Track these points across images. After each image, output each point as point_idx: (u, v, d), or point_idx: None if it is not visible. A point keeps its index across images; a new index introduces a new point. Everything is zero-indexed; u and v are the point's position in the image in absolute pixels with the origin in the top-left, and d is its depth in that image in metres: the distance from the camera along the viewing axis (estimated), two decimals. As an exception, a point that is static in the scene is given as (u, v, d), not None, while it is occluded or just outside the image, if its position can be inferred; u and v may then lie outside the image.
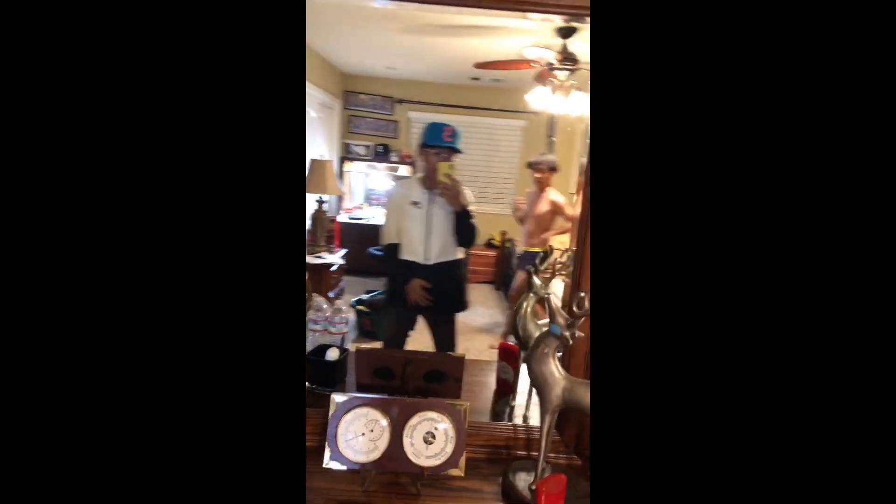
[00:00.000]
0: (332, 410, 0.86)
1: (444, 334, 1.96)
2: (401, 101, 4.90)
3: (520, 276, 3.16)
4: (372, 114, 4.93)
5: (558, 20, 2.54)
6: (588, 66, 2.75)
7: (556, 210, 3.00)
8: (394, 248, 1.88)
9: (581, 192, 1.03)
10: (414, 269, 1.83)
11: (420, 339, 2.01)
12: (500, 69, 3.04)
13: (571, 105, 2.84)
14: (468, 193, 1.85)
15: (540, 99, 2.89)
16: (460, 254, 1.91)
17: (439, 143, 1.77)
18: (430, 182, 1.80)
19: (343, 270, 3.46)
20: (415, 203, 1.82)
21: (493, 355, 1.29)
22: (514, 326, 1.09)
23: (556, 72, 2.83)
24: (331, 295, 2.96)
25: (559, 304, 0.83)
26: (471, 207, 1.82)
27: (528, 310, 1.07)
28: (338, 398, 0.87)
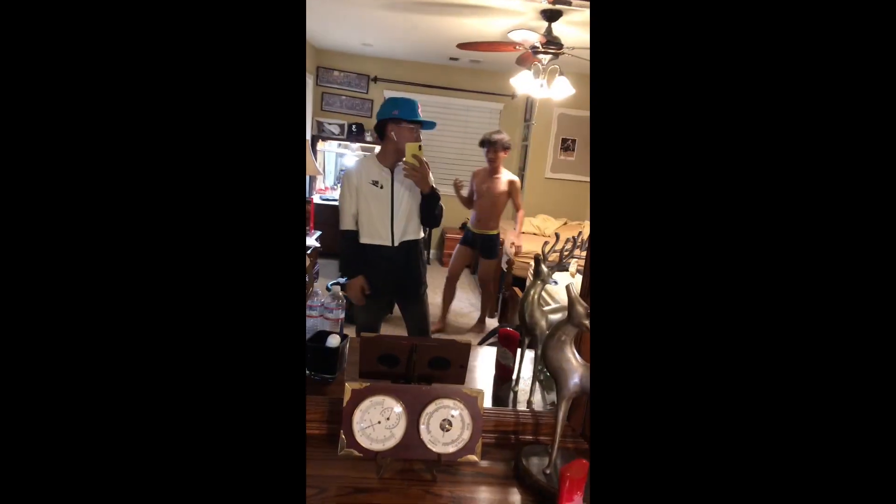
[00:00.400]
0: (346, 398, 0.85)
1: (417, 315, 1.95)
2: (376, 80, 4.78)
3: (459, 252, 3.07)
4: (346, 91, 4.80)
5: (544, 1, 2.52)
6: (572, 51, 2.75)
7: (513, 192, 2.91)
8: (353, 236, 1.80)
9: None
10: (380, 252, 1.79)
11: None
12: (484, 51, 3.00)
13: (553, 90, 2.85)
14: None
15: (523, 82, 2.88)
16: (422, 233, 1.88)
17: (416, 117, 1.70)
18: (390, 159, 1.74)
19: (318, 253, 3.39)
20: (375, 183, 1.75)
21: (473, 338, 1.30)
22: (520, 313, 1.09)
23: (539, 55, 2.82)
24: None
25: (577, 291, 0.84)
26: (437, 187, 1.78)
27: (536, 297, 1.08)
28: (353, 386, 0.85)
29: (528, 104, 4.73)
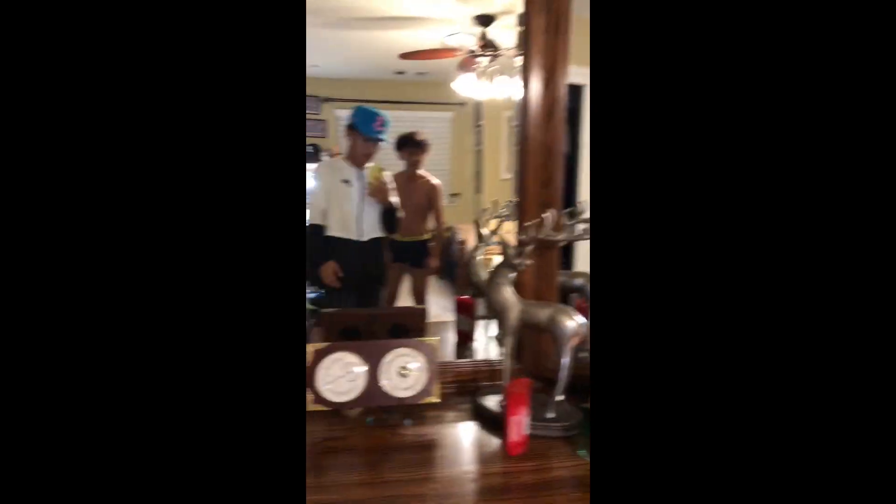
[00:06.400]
0: (310, 359, 0.92)
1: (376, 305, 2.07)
2: (327, 100, 4.88)
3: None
4: (298, 114, 4.87)
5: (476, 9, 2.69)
6: (508, 53, 2.92)
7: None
8: (319, 230, 1.93)
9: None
10: (348, 246, 1.92)
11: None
12: (425, 59, 3.15)
13: (496, 90, 3.00)
14: (391, 184, 2.00)
15: (465, 86, 3.02)
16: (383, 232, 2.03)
17: (370, 133, 1.89)
18: (357, 161, 1.92)
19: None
20: (346, 181, 1.93)
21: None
22: (468, 276, 1.19)
23: (478, 59, 2.98)
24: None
25: (510, 238, 0.94)
26: (394, 200, 1.98)
27: (479, 258, 1.17)
28: (314, 347, 0.92)
29: (476, 109, 4.91)
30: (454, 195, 5.18)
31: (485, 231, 1.16)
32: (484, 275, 1.17)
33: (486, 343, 1.25)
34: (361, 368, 0.92)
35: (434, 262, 2.75)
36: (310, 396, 0.90)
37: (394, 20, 3.04)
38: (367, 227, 1.96)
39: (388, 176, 2.00)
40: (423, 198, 2.60)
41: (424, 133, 2.73)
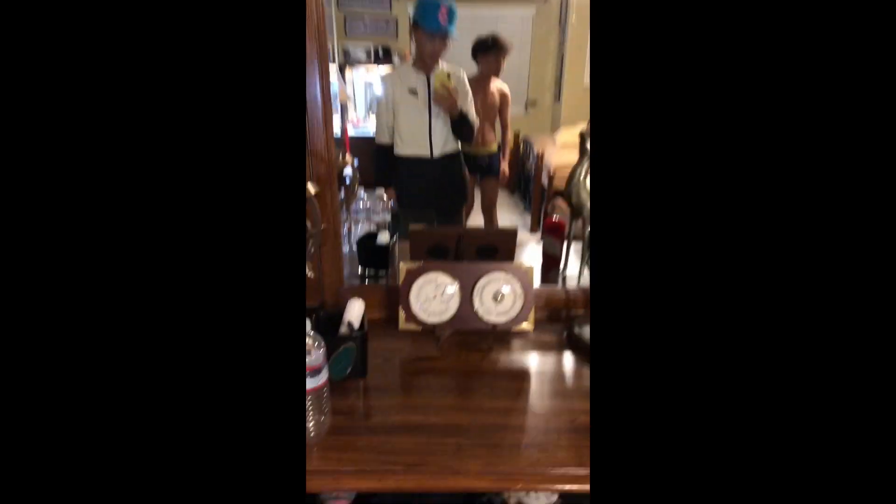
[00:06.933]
0: (401, 278, 0.89)
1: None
2: (398, -6, 4.55)
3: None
4: (368, 11, 4.60)
5: None
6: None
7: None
8: (386, 149, 1.77)
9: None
10: (419, 165, 1.76)
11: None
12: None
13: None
14: (466, 86, 1.74)
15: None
16: (460, 145, 1.83)
17: (434, 26, 1.60)
18: (423, 65, 1.67)
19: (358, 182, 3.43)
20: (412, 91, 1.70)
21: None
22: (566, 194, 1.08)
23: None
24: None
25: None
26: (468, 101, 1.73)
27: (581, 176, 1.06)
28: (407, 266, 0.89)
29: (563, 5, 4.41)
30: (531, 103, 4.88)
31: (589, 146, 1.03)
32: (585, 196, 1.06)
33: (580, 268, 1.17)
34: (454, 289, 0.88)
35: (504, 175, 2.65)
36: (402, 314, 0.89)
37: None
38: (438, 141, 1.74)
39: (458, 80, 1.72)
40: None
41: (503, 34, 2.45)
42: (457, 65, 1.74)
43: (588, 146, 1.03)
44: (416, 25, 1.64)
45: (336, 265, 0.96)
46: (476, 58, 2.42)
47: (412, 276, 0.88)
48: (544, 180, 3.39)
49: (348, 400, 0.77)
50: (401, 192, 1.84)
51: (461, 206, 1.93)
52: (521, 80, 4.51)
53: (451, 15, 1.61)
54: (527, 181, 3.94)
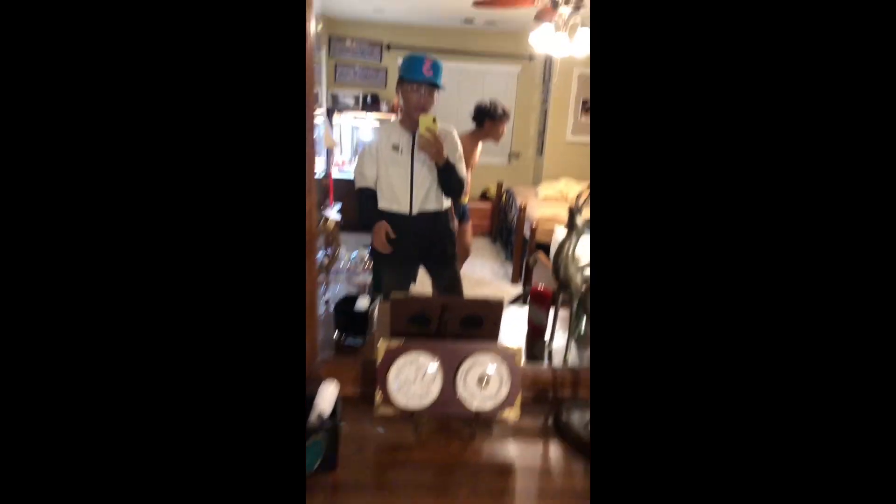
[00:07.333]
0: (380, 357, 0.83)
1: (446, 279, 1.87)
2: (389, 47, 4.67)
3: None
4: (359, 61, 4.70)
5: (565, -50, 2.39)
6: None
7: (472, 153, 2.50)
8: (368, 194, 1.72)
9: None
10: (398, 220, 1.70)
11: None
12: (502, 6, 2.87)
13: (576, 44, 2.72)
14: (455, 140, 1.71)
15: (542, 39, 2.75)
16: (447, 203, 1.78)
17: (418, 77, 1.60)
18: (410, 123, 1.65)
19: (339, 226, 3.39)
20: (395, 147, 1.68)
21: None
22: (554, 269, 1.05)
23: (559, 9, 2.69)
24: (329, 251, 2.90)
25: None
26: (457, 156, 1.68)
27: (570, 252, 1.03)
28: (387, 344, 0.83)
29: (547, 65, 4.58)
30: (514, 155, 4.96)
31: (578, 221, 1.01)
32: (573, 271, 1.03)
33: (566, 342, 1.13)
34: (436, 371, 0.83)
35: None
36: (379, 398, 0.82)
37: (469, -38, 2.77)
38: (419, 195, 1.69)
39: (448, 136, 1.68)
40: (473, 161, 2.52)
41: (490, 88, 2.59)
42: (450, 124, 1.73)
43: (577, 221, 1.01)
44: (401, 81, 1.65)
45: (311, 335, 0.89)
46: (481, 123, 2.57)
47: (391, 356, 0.83)
48: (526, 232, 3.40)
49: (315, 499, 0.69)
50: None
51: (448, 263, 1.86)
52: (506, 133, 4.61)
53: (435, 68, 1.62)
54: (508, 231, 3.95)
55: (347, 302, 1.17)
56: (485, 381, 0.83)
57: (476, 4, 2.90)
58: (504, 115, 2.59)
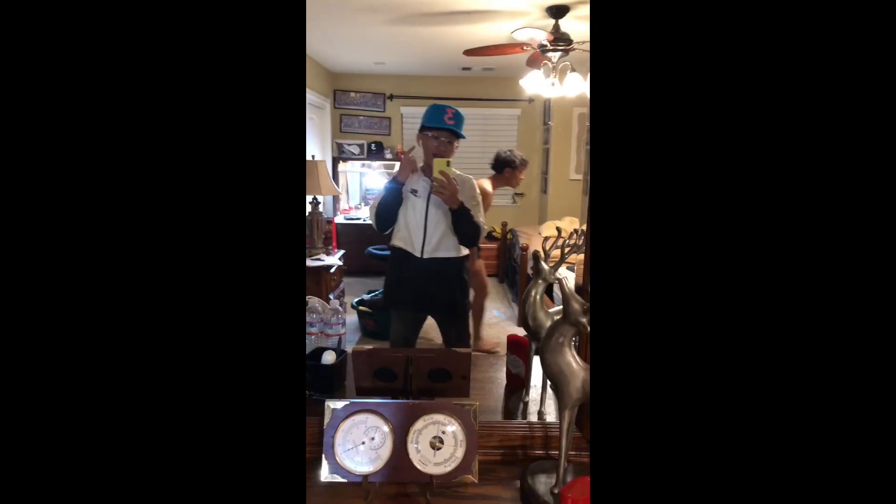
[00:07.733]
0: (327, 419, 0.78)
1: (454, 336, 1.80)
2: (392, 97, 4.81)
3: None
4: (363, 111, 4.84)
5: (549, -1, 2.46)
6: (582, 46, 2.66)
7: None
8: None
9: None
10: (408, 260, 1.69)
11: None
12: (491, 55, 2.94)
13: (566, 87, 2.75)
14: (473, 186, 1.70)
15: (533, 83, 2.79)
16: (462, 251, 1.73)
17: (440, 125, 1.61)
18: (429, 170, 1.65)
19: (342, 272, 3.38)
20: (414, 192, 1.68)
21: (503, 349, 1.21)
22: (522, 316, 1.01)
23: (548, 53, 2.74)
24: (332, 297, 2.87)
25: (572, 287, 0.75)
26: (473, 203, 1.66)
27: (537, 297, 0.99)
28: (333, 405, 0.79)
29: (546, 106, 4.64)
30: (518, 195, 4.97)
31: (545, 266, 0.97)
32: (542, 317, 0.98)
33: (541, 395, 1.06)
34: (386, 434, 0.77)
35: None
36: (325, 465, 0.77)
37: (460, 14, 2.86)
38: (432, 238, 1.66)
39: (465, 183, 1.68)
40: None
41: (491, 130, 2.83)
42: (469, 175, 1.74)
43: (542, 266, 0.97)
44: (423, 129, 1.66)
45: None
46: (500, 171, 2.79)
47: (338, 418, 0.78)
48: (529, 271, 3.35)
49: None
50: (388, 283, 1.78)
51: (456, 315, 1.79)
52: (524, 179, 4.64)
53: (457, 117, 1.64)
54: (514, 272, 3.90)
55: (315, 356, 1.13)
56: (438, 444, 0.77)
57: (467, 53, 2.98)
58: (523, 164, 2.82)
